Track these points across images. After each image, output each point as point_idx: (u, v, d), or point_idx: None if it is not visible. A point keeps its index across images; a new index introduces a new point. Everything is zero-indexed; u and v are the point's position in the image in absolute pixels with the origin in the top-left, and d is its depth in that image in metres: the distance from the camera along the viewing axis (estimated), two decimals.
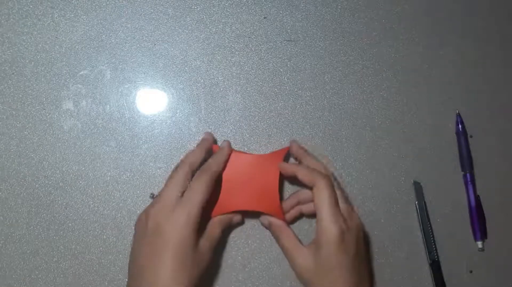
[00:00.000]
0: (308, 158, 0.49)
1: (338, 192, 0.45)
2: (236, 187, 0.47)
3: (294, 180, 0.48)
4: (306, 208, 0.49)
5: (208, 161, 0.46)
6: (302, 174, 0.45)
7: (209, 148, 0.48)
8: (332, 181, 0.45)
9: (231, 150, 0.47)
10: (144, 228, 0.42)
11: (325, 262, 0.42)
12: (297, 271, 0.45)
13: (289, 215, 0.49)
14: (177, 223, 0.41)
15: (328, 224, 0.42)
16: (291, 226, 0.50)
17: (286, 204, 0.49)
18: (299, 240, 0.46)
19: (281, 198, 0.50)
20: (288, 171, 0.47)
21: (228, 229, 0.49)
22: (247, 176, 0.47)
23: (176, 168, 0.45)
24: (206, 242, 0.43)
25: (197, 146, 0.48)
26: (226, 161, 0.47)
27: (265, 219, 0.48)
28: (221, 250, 0.50)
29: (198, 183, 0.43)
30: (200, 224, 0.42)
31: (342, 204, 0.45)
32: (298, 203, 0.49)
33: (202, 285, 0.42)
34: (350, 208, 0.46)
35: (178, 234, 0.41)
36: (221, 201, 0.46)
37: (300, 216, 0.50)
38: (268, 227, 0.48)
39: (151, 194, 0.49)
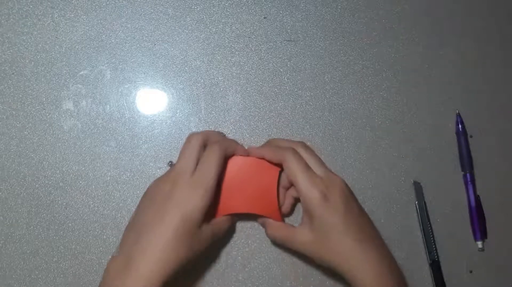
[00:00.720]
0: (275, 140, 0.49)
1: (311, 158, 0.45)
2: (235, 190, 0.47)
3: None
4: (292, 190, 0.48)
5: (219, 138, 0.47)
6: (269, 155, 0.46)
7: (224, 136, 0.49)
8: (296, 151, 0.45)
9: (241, 149, 0.47)
10: (157, 190, 0.42)
11: (320, 228, 0.42)
12: (301, 249, 0.44)
13: (284, 207, 0.49)
14: (191, 194, 0.41)
15: (306, 190, 0.42)
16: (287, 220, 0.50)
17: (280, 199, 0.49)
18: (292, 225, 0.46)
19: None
20: (256, 154, 0.46)
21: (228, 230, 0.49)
22: (246, 179, 0.47)
23: (190, 137, 0.45)
24: (210, 228, 0.43)
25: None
26: (233, 151, 0.46)
27: (261, 219, 0.49)
28: (221, 250, 0.50)
29: (212, 156, 0.42)
30: (209, 208, 0.42)
31: (318, 168, 0.45)
32: (285, 190, 0.49)
33: (196, 276, 0.43)
34: (328, 170, 0.46)
35: (189, 205, 0.40)
36: (220, 205, 0.46)
37: (295, 201, 0.50)
38: (263, 226, 0.49)
39: (170, 162, 0.49)
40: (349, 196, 0.45)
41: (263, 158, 0.47)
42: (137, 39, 0.52)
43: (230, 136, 0.51)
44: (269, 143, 0.50)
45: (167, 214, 0.40)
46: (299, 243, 0.44)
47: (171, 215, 0.40)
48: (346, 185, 0.45)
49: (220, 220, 0.46)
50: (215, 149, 0.43)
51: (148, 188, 0.44)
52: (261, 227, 0.50)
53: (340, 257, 0.42)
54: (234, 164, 0.47)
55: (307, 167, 0.44)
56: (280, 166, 0.47)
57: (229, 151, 0.45)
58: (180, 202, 0.40)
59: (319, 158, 0.47)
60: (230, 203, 0.46)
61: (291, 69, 0.53)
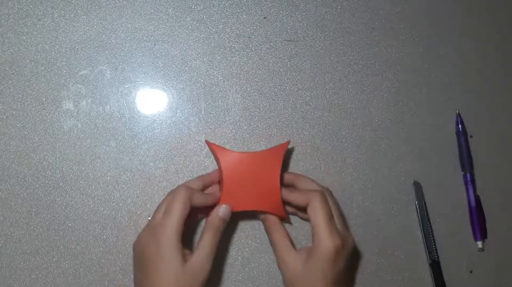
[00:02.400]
0: (301, 178, 0.49)
1: (335, 209, 0.45)
2: (237, 188, 0.46)
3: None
4: (302, 215, 0.49)
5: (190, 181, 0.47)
6: (295, 198, 0.46)
7: (207, 184, 0.48)
8: (326, 196, 0.45)
9: (216, 201, 0.46)
10: (135, 255, 0.44)
11: (313, 271, 0.42)
12: (283, 271, 0.44)
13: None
14: (159, 244, 0.41)
15: (325, 239, 0.42)
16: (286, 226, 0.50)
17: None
18: (292, 242, 0.45)
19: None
20: (289, 181, 0.48)
21: (228, 230, 0.49)
22: (248, 175, 0.46)
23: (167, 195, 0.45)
24: (199, 255, 0.42)
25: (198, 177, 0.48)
26: (207, 203, 0.45)
27: (264, 216, 0.48)
28: (221, 250, 0.50)
29: (175, 201, 0.42)
30: (185, 238, 0.42)
31: (337, 220, 0.45)
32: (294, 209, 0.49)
33: None
34: (345, 225, 0.46)
35: (161, 256, 0.41)
36: (222, 202, 0.45)
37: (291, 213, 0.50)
38: (263, 220, 0.48)
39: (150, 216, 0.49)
40: (352, 256, 0.45)
41: (289, 203, 0.47)
42: (137, 39, 0.52)
43: (230, 136, 0.51)
44: (298, 179, 0.49)
45: (151, 276, 0.41)
46: (286, 266, 0.44)
47: (154, 275, 0.41)
48: (355, 246, 0.47)
49: (203, 240, 0.43)
50: (178, 196, 0.43)
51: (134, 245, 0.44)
52: (261, 227, 0.50)
53: None
54: (235, 160, 0.46)
55: (332, 217, 0.44)
56: (280, 166, 0.46)
57: (194, 198, 0.44)
58: (155, 259, 0.41)
59: (341, 210, 0.49)
60: (233, 201, 0.46)
61: (291, 69, 0.53)
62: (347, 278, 0.46)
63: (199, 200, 0.44)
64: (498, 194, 0.55)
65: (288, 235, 0.46)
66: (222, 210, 0.44)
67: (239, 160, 0.46)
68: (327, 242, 0.42)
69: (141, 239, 0.43)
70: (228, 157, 0.46)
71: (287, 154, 0.51)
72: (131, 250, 0.44)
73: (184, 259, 0.41)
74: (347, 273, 0.45)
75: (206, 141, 0.48)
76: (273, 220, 0.47)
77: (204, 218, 0.49)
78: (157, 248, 0.41)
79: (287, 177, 0.49)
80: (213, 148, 0.47)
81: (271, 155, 0.47)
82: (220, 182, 0.47)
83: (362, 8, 0.56)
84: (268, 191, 0.46)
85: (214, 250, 0.43)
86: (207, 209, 0.46)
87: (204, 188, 0.48)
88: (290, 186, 0.49)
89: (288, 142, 0.48)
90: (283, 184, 0.48)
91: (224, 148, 0.47)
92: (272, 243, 0.46)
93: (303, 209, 0.46)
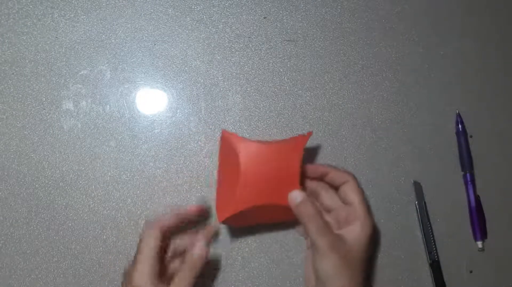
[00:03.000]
0: (333, 168, 0.47)
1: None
2: (255, 180, 0.43)
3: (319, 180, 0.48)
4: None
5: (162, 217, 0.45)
6: (334, 172, 0.46)
7: (184, 216, 0.46)
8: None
9: (186, 211, 0.45)
10: None
11: (353, 255, 0.42)
12: (332, 256, 0.42)
13: None
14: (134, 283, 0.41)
15: (365, 220, 0.43)
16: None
17: None
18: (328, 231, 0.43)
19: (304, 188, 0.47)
20: (317, 171, 0.47)
21: (228, 230, 0.49)
22: (266, 167, 0.43)
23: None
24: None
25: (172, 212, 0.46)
26: (180, 219, 0.45)
27: (295, 196, 0.44)
28: (221, 250, 0.50)
29: (142, 239, 0.43)
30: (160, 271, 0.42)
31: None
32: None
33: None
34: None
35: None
36: (239, 196, 0.43)
37: None
38: (297, 206, 0.44)
39: None
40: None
41: (326, 174, 0.46)
42: (137, 39, 0.52)
43: None
44: (319, 172, 0.48)
45: None
46: (324, 265, 0.42)
47: None
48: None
49: (179, 274, 0.42)
50: (142, 233, 0.43)
51: None
52: (261, 227, 0.50)
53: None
54: (253, 151, 0.43)
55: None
56: (300, 158, 0.44)
57: (166, 225, 0.44)
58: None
59: None
60: (250, 195, 0.43)
61: (291, 69, 0.53)
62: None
63: (168, 221, 0.44)
64: (498, 194, 0.55)
65: (325, 226, 0.43)
66: (197, 249, 0.43)
67: (258, 151, 0.43)
68: (368, 223, 0.43)
69: (123, 281, 0.44)
70: (247, 148, 0.43)
71: (310, 146, 0.51)
72: (131, 250, 0.45)
73: None
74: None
75: (223, 131, 0.45)
76: (308, 211, 0.43)
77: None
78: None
79: (314, 169, 0.47)
80: (230, 137, 0.44)
81: (291, 147, 0.44)
82: (221, 175, 0.47)
83: (362, 8, 0.56)
84: (288, 185, 0.44)
85: None
86: (219, 215, 0.45)
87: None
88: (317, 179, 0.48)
89: (310, 133, 0.46)
90: (308, 177, 0.47)
91: (243, 138, 0.44)
92: (308, 234, 0.43)
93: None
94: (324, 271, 0.42)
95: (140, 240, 0.43)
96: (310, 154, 0.52)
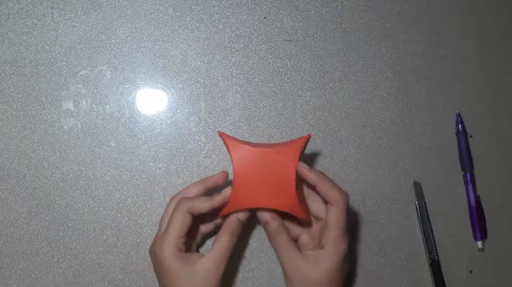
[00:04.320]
0: (327, 180, 0.45)
1: None
2: (249, 183, 0.43)
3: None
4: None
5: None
6: (323, 186, 0.43)
7: (209, 186, 0.46)
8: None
9: (226, 199, 0.44)
10: (151, 261, 0.45)
11: (328, 273, 0.42)
12: (290, 274, 0.43)
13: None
14: (160, 258, 0.42)
15: (340, 242, 0.42)
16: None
17: None
18: (296, 247, 0.44)
19: (302, 194, 0.47)
20: (308, 178, 0.44)
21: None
22: (261, 171, 0.43)
23: (169, 203, 0.46)
24: (211, 256, 0.42)
25: (196, 182, 0.47)
26: (212, 206, 0.44)
27: (263, 216, 0.45)
28: None
29: (174, 216, 0.43)
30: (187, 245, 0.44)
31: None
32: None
33: None
34: None
35: (164, 267, 0.42)
36: (233, 199, 0.43)
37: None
38: (264, 225, 0.45)
39: None
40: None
41: (313, 185, 0.44)
42: (137, 39, 0.52)
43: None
44: (320, 180, 0.45)
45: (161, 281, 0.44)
46: (301, 273, 0.43)
47: (164, 280, 0.43)
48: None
49: (216, 244, 0.44)
50: (179, 207, 0.44)
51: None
52: (261, 227, 0.50)
53: None
54: (248, 154, 0.43)
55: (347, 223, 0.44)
56: (296, 162, 0.43)
57: (190, 206, 0.44)
58: (161, 268, 0.43)
59: None
60: (244, 198, 0.43)
61: (291, 69, 0.53)
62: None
63: (202, 206, 0.43)
64: (498, 194, 0.55)
65: (292, 242, 0.44)
66: (242, 213, 0.44)
67: (252, 154, 0.43)
68: (343, 246, 0.43)
69: (151, 249, 0.45)
70: (241, 150, 0.43)
71: (310, 146, 0.50)
72: (131, 250, 0.46)
73: (189, 264, 0.42)
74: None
75: (219, 132, 0.45)
76: (274, 226, 0.44)
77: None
78: (160, 261, 0.42)
79: (309, 175, 0.45)
80: (225, 140, 0.44)
81: (288, 150, 0.44)
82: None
83: (362, 8, 0.56)
84: (283, 189, 0.43)
85: (228, 252, 0.43)
86: (218, 211, 0.44)
87: (206, 192, 0.46)
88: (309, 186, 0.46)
89: (309, 136, 0.44)
90: (304, 182, 0.45)
91: (238, 140, 0.44)
92: (275, 248, 0.45)
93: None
94: None
95: (173, 212, 0.43)
96: (310, 155, 0.52)
